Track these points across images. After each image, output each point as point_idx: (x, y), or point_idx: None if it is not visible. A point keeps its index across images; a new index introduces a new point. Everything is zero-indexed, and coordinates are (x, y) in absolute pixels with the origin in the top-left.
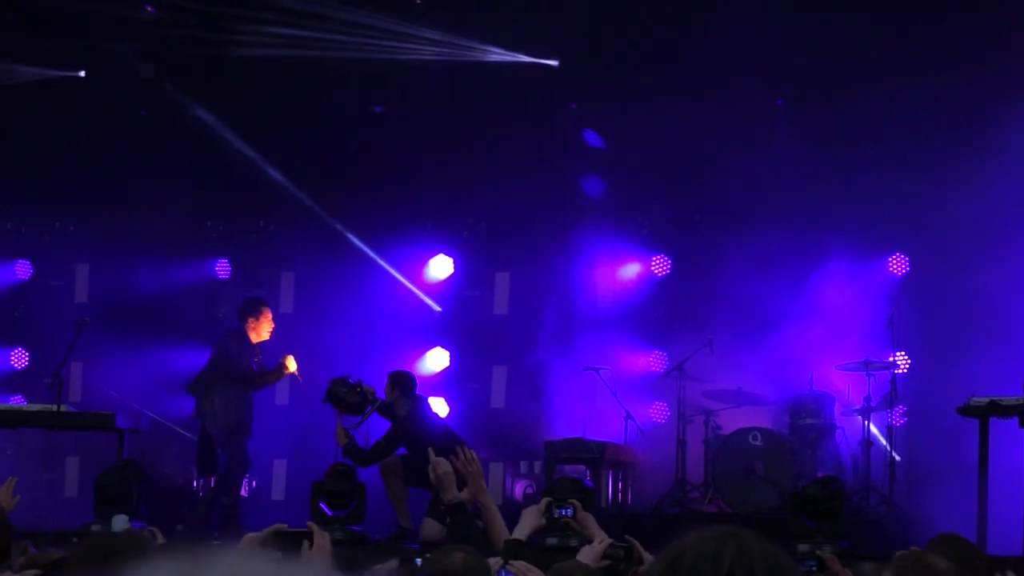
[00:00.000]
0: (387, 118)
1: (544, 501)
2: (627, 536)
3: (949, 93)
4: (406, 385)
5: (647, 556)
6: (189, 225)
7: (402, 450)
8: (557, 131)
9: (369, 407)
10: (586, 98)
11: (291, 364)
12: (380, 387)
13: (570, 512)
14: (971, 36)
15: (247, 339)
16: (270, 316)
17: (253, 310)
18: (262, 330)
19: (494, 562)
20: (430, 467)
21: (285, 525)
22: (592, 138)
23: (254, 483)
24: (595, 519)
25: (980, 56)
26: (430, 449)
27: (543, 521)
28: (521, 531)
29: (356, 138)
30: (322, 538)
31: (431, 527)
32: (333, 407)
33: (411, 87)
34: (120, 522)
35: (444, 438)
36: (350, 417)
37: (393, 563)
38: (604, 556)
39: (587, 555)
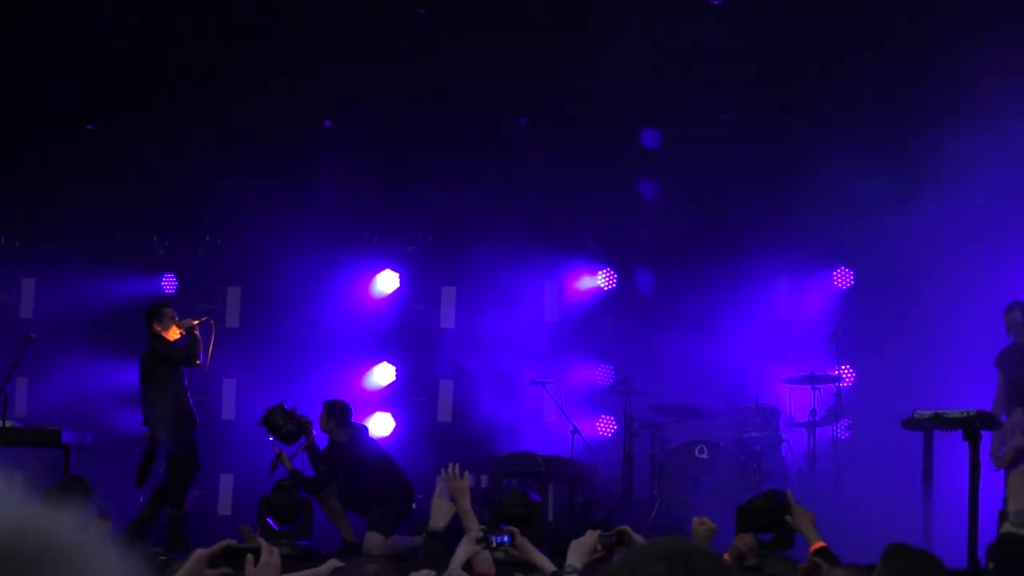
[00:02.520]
0: (335, 132)
1: (476, 529)
2: (620, 527)
3: (889, 107)
4: (342, 415)
5: (640, 539)
6: (135, 239)
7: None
8: (502, 144)
9: (304, 439)
10: (527, 113)
11: (188, 323)
12: (317, 412)
13: (507, 540)
14: (915, 49)
15: (163, 338)
16: (172, 314)
17: (156, 315)
18: (169, 332)
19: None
20: (438, 491)
21: (234, 541)
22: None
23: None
24: (542, 532)
25: (921, 74)
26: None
27: (479, 549)
28: (456, 561)
29: (303, 152)
30: (270, 554)
31: (374, 540)
32: (268, 432)
33: (360, 98)
34: None
35: (382, 464)
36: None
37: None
38: (596, 547)
39: (578, 550)
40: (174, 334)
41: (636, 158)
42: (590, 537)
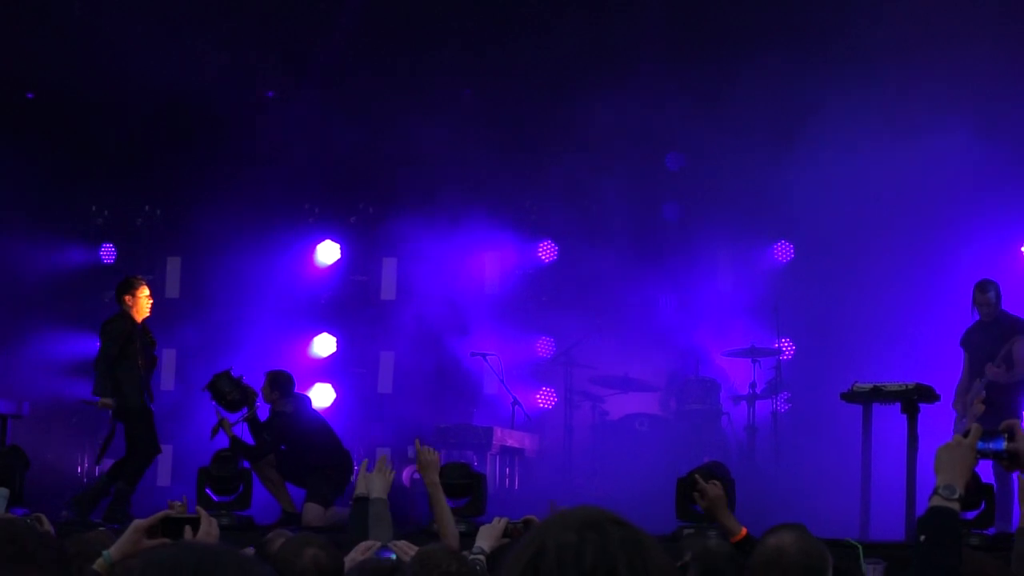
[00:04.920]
0: (278, 103)
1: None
2: (527, 516)
3: (822, 82)
4: (284, 385)
5: None
6: (73, 209)
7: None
8: (449, 116)
9: (245, 409)
10: (483, 84)
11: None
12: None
13: (391, 556)
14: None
15: (130, 318)
16: (146, 292)
17: (127, 288)
18: (141, 307)
19: (368, 545)
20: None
21: (173, 511)
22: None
23: None
24: (483, 503)
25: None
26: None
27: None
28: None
29: (245, 123)
30: (209, 524)
31: (314, 511)
32: (212, 398)
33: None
34: (1, 495)
35: (323, 435)
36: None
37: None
38: (505, 534)
39: (487, 534)
40: (143, 310)
41: (580, 131)
42: (499, 523)
